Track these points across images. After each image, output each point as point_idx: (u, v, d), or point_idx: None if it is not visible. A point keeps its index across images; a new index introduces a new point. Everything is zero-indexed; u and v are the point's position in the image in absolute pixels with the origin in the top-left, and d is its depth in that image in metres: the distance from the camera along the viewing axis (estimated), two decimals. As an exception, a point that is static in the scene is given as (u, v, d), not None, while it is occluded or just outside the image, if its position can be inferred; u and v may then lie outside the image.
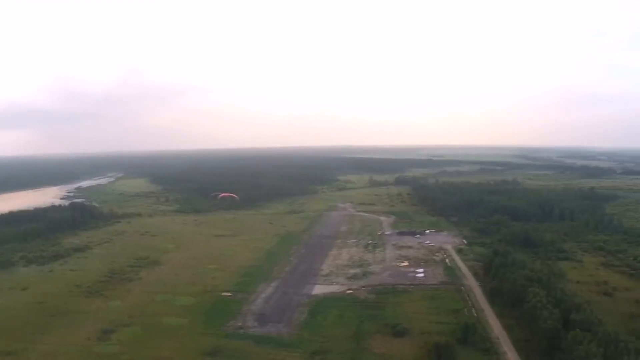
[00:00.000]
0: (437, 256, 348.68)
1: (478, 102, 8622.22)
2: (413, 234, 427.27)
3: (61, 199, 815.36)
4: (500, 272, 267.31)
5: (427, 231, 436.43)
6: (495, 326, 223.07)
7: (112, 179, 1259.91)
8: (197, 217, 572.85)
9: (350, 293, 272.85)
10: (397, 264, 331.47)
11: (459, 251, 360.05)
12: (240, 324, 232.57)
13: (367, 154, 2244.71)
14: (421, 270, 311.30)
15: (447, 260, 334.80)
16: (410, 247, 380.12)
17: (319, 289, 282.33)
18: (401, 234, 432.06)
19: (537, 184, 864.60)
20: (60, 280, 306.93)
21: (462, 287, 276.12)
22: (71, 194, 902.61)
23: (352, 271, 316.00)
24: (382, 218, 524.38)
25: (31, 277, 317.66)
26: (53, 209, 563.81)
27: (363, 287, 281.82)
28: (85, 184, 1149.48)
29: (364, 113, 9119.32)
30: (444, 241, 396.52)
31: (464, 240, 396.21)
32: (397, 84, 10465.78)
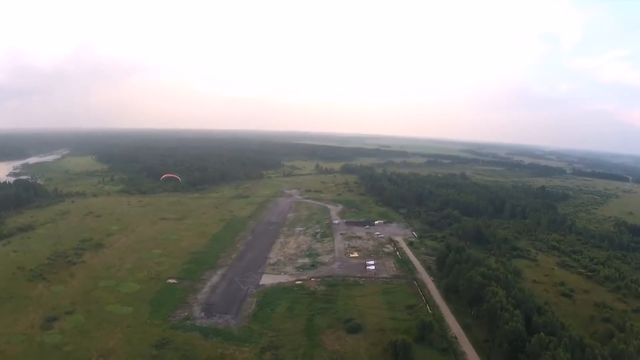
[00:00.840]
0: (388, 248, 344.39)
1: (428, 94, 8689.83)
2: (362, 224, 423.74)
3: (7, 175, 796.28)
4: (455, 268, 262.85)
5: (376, 222, 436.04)
6: (452, 324, 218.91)
7: (59, 157, 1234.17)
8: (142, 199, 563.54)
9: (300, 284, 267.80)
10: (347, 255, 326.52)
11: (410, 244, 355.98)
12: (186, 314, 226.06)
13: (314, 140, 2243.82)
14: (372, 262, 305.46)
15: (398, 253, 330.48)
16: (359, 237, 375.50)
17: (267, 279, 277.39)
18: (349, 223, 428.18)
19: (486, 179, 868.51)
20: (3, 263, 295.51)
21: (415, 282, 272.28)
22: (17, 171, 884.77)
23: (301, 261, 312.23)
24: (330, 206, 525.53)
25: None
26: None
27: (312, 278, 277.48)
28: (32, 160, 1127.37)
29: (313, 98, 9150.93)
30: (394, 233, 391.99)
31: (414, 233, 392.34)
32: (348, 68, 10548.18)
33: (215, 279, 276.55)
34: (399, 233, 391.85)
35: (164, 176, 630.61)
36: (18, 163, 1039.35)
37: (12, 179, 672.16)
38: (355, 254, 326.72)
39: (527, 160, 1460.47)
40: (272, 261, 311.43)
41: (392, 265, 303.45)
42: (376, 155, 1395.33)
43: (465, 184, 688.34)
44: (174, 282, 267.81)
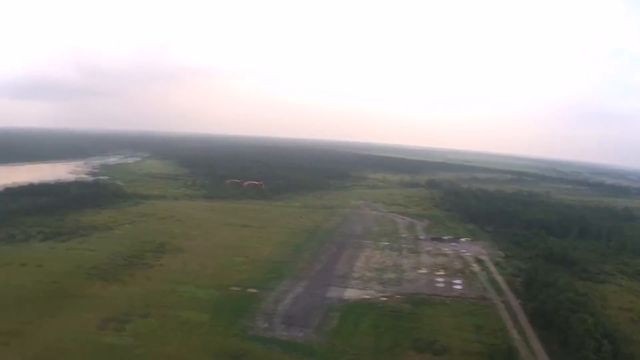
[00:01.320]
0: (474, 267, 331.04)
1: (505, 106, 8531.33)
2: (448, 241, 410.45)
3: (85, 174, 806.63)
4: (543, 292, 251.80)
5: (462, 239, 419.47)
6: (538, 351, 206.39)
7: (139, 159, 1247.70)
8: (224, 204, 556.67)
9: (384, 300, 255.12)
10: (433, 272, 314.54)
11: (497, 264, 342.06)
12: (266, 325, 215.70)
13: (397, 153, 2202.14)
14: (459, 281, 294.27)
15: (484, 273, 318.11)
16: (445, 255, 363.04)
17: (350, 293, 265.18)
18: (435, 240, 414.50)
19: (570, 199, 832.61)
20: (78, 260, 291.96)
21: (502, 304, 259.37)
22: (96, 170, 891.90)
23: (386, 276, 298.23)
24: (415, 221, 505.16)
25: (47, 254, 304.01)
26: (76, 184, 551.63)
27: (397, 294, 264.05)
28: (111, 160, 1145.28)
29: (392, 110, 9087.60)
30: (480, 251, 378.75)
31: (501, 252, 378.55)
32: (428, 81, 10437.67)
33: (297, 290, 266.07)
34: (485, 252, 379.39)
35: (247, 183, 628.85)
36: (98, 162, 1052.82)
37: (91, 178, 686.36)
38: (442, 272, 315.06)
39: (608, 180, 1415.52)
40: (356, 275, 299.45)
41: (479, 285, 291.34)
42: (460, 170, 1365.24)
43: (550, 203, 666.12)
44: (254, 292, 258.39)
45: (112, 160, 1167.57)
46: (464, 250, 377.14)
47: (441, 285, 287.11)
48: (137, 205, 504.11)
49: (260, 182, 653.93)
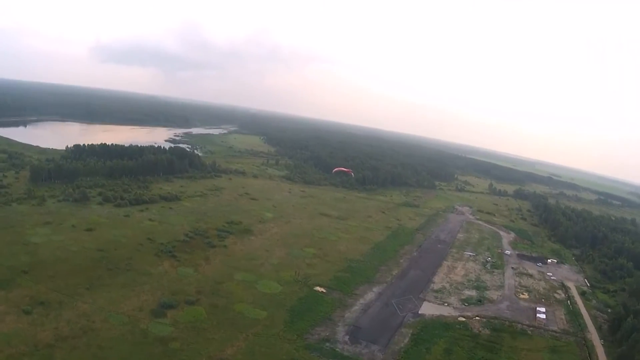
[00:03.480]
0: (559, 294, 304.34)
1: (591, 125, 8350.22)
2: (534, 260, 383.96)
3: (166, 140, 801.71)
4: (633, 337, 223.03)
5: (549, 260, 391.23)
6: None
7: (224, 131, 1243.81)
8: (305, 189, 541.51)
9: (463, 321, 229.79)
10: (517, 294, 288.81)
11: (582, 293, 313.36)
12: (327, 334, 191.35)
13: (486, 157, 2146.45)
14: (543, 309, 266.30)
15: (569, 302, 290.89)
16: (531, 276, 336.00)
17: (427, 307, 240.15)
18: (522, 257, 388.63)
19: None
20: (133, 229, 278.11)
21: (585, 343, 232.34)
22: (178, 138, 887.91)
23: (467, 292, 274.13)
24: (502, 233, 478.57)
25: (101, 219, 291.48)
26: (150, 149, 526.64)
27: (477, 316, 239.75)
28: (195, 131, 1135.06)
29: (485, 114, 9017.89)
30: (566, 276, 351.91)
31: (586, 281, 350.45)
32: (526, 91, 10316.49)
33: (369, 296, 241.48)
34: (571, 278, 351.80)
35: (335, 169, 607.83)
36: (181, 131, 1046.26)
37: (169, 145, 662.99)
38: (526, 295, 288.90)
39: None
40: (436, 287, 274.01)
41: (562, 316, 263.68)
42: (547, 184, 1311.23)
43: (638, 233, 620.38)
44: (321, 291, 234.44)
45: (197, 130, 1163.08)
46: (550, 273, 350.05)
47: (525, 311, 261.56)
48: (212, 178, 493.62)
49: (349, 170, 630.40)
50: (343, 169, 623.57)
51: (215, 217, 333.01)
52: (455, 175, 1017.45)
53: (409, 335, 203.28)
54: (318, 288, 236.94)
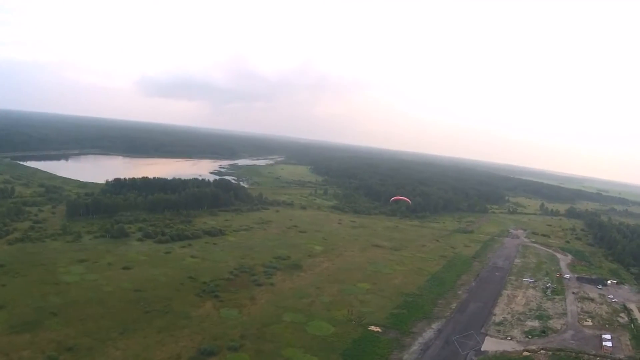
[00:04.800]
0: (622, 318, 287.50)
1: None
2: (594, 282, 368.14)
3: (210, 172, 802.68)
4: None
5: (608, 281, 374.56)
6: None
7: (271, 162, 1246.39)
8: (356, 219, 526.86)
9: (527, 356, 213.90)
10: (580, 321, 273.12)
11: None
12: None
13: (534, 177, 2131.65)
14: (608, 336, 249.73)
15: (632, 326, 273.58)
16: (592, 300, 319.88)
17: (490, 343, 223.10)
18: (581, 280, 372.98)
19: None
20: (174, 267, 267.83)
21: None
22: (223, 170, 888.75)
23: (530, 323, 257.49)
24: (558, 255, 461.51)
25: (141, 256, 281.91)
26: (194, 182, 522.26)
27: (542, 349, 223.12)
28: (242, 162, 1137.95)
29: (529, 135, 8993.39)
30: (627, 298, 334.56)
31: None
32: (565, 111, 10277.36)
33: (428, 334, 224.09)
34: (632, 299, 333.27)
35: (393, 198, 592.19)
36: (226, 162, 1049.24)
37: (214, 177, 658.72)
38: (589, 322, 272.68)
39: None
40: (497, 319, 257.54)
41: (628, 342, 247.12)
42: (597, 200, 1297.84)
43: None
44: (377, 331, 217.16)
45: (243, 161, 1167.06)
46: (611, 296, 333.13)
47: (590, 339, 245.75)
48: (259, 211, 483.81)
49: (406, 198, 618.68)
50: (400, 197, 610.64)
51: (262, 252, 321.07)
52: (506, 197, 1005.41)
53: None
54: (373, 327, 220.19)
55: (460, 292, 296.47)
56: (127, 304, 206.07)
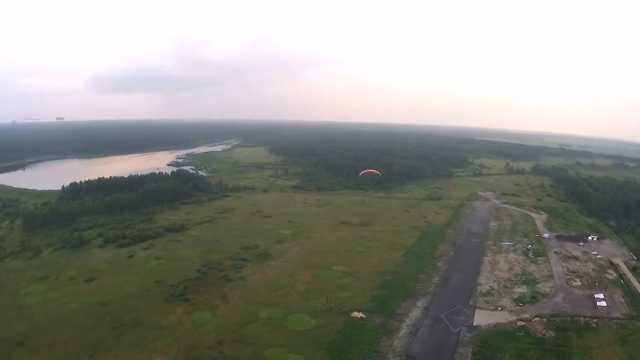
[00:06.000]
0: (610, 274, 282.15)
1: (596, 92, 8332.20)
2: (574, 239, 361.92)
3: (168, 164, 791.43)
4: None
5: (589, 237, 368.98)
6: None
7: (229, 147, 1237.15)
8: (320, 196, 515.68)
9: (522, 326, 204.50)
10: (569, 282, 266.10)
11: (633, 269, 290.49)
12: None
13: (495, 137, 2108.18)
14: (601, 295, 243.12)
15: (622, 282, 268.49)
16: (576, 258, 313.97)
17: (481, 317, 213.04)
18: (561, 238, 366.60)
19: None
20: (138, 272, 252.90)
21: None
22: (180, 160, 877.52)
23: (518, 290, 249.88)
24: (533, 214, 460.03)
25: (103, 264, 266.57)
26: (151, 177, 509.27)
27: (537, 316, 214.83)
28: (198, 150, 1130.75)
29: (486, 94, 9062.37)
30: (611, 253, 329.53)
31: (633, 255, 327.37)
32: (520, 67, 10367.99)
33: (415, 314, 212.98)
34: (616, 253, 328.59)
35: (362, 172, 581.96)
36: (183, 152, 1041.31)
37: (171, 169, 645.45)
38: (578, 282, 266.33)
39: None
40: (483, 289, 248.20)
41: (621, 299, 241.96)
42: (560, 155, 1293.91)
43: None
44: (361, 317, 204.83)
45: (200, 149, 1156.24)
46: (595, 252, 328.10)
47: (583, 300, 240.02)
48: (220, 199, 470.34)
49: (376, 170, 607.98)
50: (369, 170, 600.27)
51: (228, 244, 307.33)
52: (470, 160, 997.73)
53: (470, 355, 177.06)
54: (356, 314, 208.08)
55: (440, 264, 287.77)
56: (93, 322, 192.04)
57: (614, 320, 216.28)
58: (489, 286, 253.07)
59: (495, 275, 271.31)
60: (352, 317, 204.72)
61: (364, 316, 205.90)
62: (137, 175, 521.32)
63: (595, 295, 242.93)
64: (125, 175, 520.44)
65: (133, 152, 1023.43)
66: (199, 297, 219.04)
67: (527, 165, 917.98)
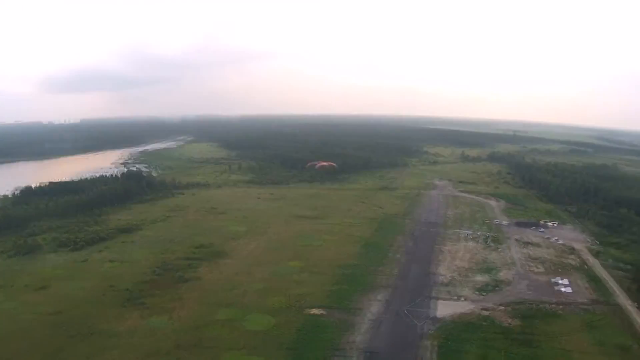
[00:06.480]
0: (572, 259, 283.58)
1: (554, 83, 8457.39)
2: (533, 226, 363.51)
3: (120, 164, 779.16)
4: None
5: (549, 223, 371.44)
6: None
7: (181, 143, 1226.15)
8: (274, 190, 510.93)
9: (487, 315, 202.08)
10: (530, 269, 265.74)
11: (595, 254, 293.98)
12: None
13: (446, 125, 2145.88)
14: (565, 281, 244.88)
15: (585, 266, 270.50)
16: (536, 244, 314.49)
17: (443, 308, 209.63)
18: (520, 225, 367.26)
19: (638, 171, 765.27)
20: (93, 277, 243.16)
21: (619, 310, 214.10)
22: (132, 159, 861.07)
23: (479, 278, 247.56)
24: (490, 202, 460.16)
25: (57, 269, 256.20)
26: (102, 178, 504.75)
27: (500, 305, 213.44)
28: (150, 147, 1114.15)
29: (438, 85, 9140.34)
30: (571, 238, 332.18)
31: (594, 240, 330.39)
32: (474, 60, 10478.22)
33: (375, 307, 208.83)
34: (577, 238, 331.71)
35: (318, 166, 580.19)
36: (135, 150, 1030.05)
37: (124, 169, 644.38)
38: (540, 268, 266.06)
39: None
40: (444, 280, 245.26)
41: (586, 284, 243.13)
42: (515, 142, 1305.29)
43: (627, 177, 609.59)
44: (321, 314, 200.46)
45: (153, 146, 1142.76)
46: (556, 238, 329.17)
47: (546, 287, 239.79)
48: (174, 197, 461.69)
49: (332, 163, 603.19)
50: (325, 163, 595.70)
51: (183, 243, 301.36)
52: (424, 149, 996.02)
53: (434, 349, 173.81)
54: (315, 311, 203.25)
55: (398, 256, 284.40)
56: (49, 331, 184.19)
57: (580, 306, 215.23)
58: (450, 276, 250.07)
59: (455, 265, 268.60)
60: (311, 313, 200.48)
61: (324, 312, 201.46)
62: (90, 176, 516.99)
63: (560, 281, 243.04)
64: (79, 177, 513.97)
65: (86, 152, 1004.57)
66: (155, 300, 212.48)
67: (483, 153, 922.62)
